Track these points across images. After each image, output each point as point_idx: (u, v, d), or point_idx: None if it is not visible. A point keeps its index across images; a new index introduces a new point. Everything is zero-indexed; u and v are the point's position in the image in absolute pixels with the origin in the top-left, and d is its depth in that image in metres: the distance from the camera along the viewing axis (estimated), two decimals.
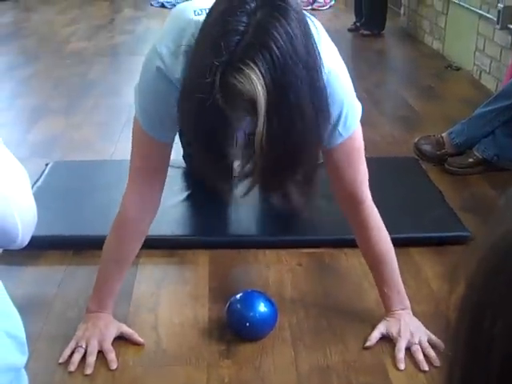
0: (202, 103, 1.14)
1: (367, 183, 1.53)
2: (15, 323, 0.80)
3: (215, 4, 1.21)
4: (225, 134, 1.23)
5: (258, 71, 1.10)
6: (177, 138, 1.67)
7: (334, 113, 1.35)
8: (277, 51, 1.11)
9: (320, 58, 1.22)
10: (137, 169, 1.53)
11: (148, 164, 1.52)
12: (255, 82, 1.11)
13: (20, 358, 0.79)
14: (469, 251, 0.45)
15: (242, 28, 1.10)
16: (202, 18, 1.29)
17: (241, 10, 1.11)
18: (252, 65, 1.10)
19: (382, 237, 1.56)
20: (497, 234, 0.42)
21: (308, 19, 1.23)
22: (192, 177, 2.31)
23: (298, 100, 1.15)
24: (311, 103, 1.18)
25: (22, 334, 0.80)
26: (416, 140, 2.61)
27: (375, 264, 1.59)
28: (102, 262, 1.59)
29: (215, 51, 1.11)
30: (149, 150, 1.50)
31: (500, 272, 0.41)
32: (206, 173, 1.40)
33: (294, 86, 1.14)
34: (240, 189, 1.46)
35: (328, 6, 5.96)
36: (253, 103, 1.12)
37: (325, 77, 1.26)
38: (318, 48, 1.22)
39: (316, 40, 1.22)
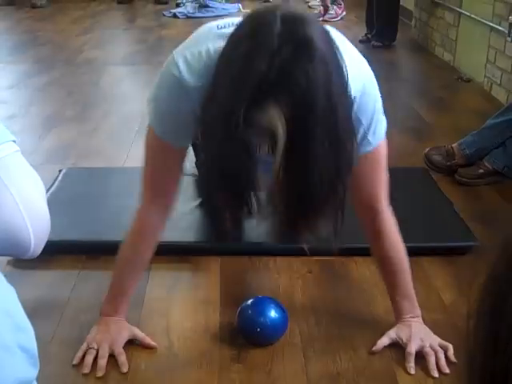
0: (223, 139, 1.16)
1: (386, 194, 1.54)
2: (28, 337, 0.81)
3: (236, 37, 1.21)
4: (245, 171, 1.22)
5: (279, 110, 1.12)
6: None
7: (366, 122, 1.39)
8: (298, 92, 1.12)
9: (346, 92, 1.22)
10: (152, 179, 1.54)
11: (163, 174, 1.53)
12: (276, 121, 1.13)
13: (32, 372, 0.81)
14: (490, 245, 0.47)
15: (264, 68, 1.11)
16: (225, 31, 1.31)
17: (264, 49, 1.12)
18: (274, 104, 1.13)
19: (397, 246, 1.57)
20: None
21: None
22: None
23: (318, 140, 1.16)
24: (332, 142, 1.18)
25: (35, 347, 0.81)
26: (426, 150, 2.63)
27: (388, 272, 1.60)
28: (117, 268, 1.60)
29: (238, 90, 1.13)
30: (163, 157, 1.51)
31: None
32: (219, 209, 1.40)
33: (314, 126, 1.15)
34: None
35: (339, 18, 5.98)
36: (274, 140, 1.15)
37: (357, 97, 1.30)
38: (346, 75, 1.21)
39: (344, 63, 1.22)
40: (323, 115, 1.15)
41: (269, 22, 1.14)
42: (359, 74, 1.36)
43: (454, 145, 2.60)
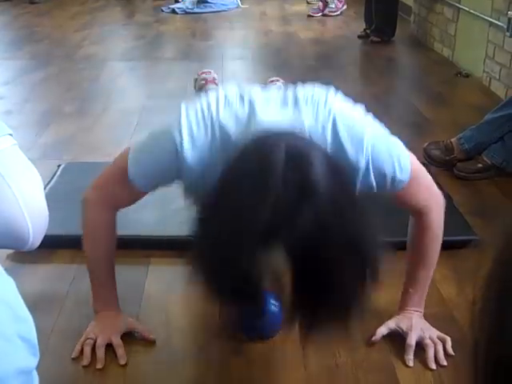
0: (227, 267, 1.13)
1: (434, 191, 1.53)
2: (28, 327, 0.81)
3: (240, 173, 1.16)
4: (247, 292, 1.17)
5: (284, 251, 1.09)
6: None
7: (388, 167, 1.36)
8: (305, 234, 1.07)
9: (359, 223, 1.16)
10: (106, 192, 1.53)
11: (118, 198, 1.52)
12: (281, 262, 1.09)
13: (32, 361, 0.81)
14: (495, 232, 0.48)
15: (267, 216, 1.06)
16: (233, 108, 1.32)
17: (268, 195, 1.07)
18: (278, 244, 1.09)
19: (434, 242, 1.57)
20: None
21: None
22: None
23: (330, 275, 1.12)
24: (344, 276, 1.13)
25: (34, 337, 0.82)
26: (425, 145, 2.63)
27: (415, 263, 1.60)
28: (89, 264, 1.60)
29: (244, 225, 1.09)
30: (126, 192, 1.48)
31: None
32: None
33: (324, 265, 1.11)
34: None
35: (339, 12, 5.98)
36: (279, 277, 1.12)
37: (369, 150, 1.31)
38: (357, 201, 1.19)
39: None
40: (339, 245, 1.10)
41: (273, 161, 1.10)
42: (365, 133, 1.34)
43: (452, 139, 2.61)
